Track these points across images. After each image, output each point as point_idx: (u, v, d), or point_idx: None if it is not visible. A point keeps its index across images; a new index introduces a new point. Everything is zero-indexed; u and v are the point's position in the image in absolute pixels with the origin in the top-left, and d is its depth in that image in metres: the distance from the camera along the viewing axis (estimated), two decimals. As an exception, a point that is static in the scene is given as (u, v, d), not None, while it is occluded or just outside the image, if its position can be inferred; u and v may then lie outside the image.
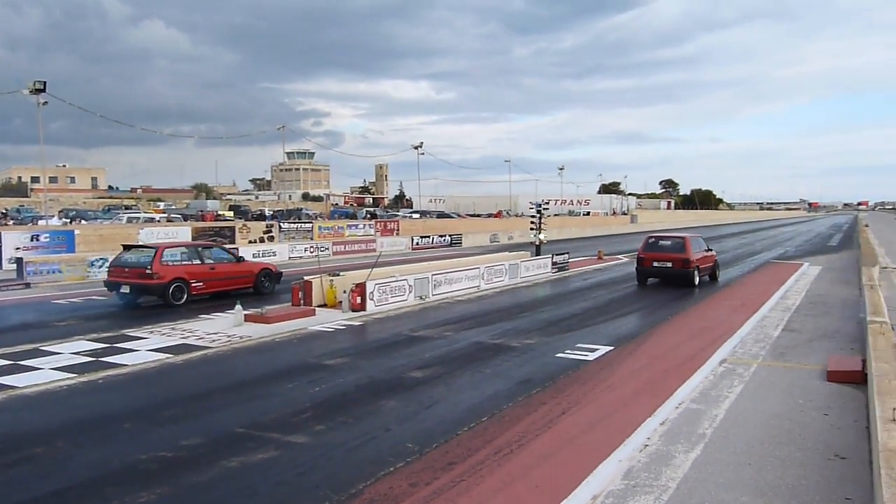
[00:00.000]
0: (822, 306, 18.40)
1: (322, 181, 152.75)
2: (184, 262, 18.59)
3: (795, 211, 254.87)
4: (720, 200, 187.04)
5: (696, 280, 22.39)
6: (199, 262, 18.98)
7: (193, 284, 18.50)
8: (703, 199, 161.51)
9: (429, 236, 45.55)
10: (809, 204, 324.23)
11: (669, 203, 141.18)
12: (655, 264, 22.44)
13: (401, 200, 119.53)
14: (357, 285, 17.35)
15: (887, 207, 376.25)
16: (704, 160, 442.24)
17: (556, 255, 27.56)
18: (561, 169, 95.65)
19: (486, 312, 17.50)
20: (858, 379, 9.92)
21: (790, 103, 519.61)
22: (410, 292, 18.86)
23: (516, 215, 76.11)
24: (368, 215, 63.81)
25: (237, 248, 26.98)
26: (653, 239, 23.42)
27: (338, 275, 19.11)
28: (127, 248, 19.40)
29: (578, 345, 13.05)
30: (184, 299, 18.15)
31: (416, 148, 61.61)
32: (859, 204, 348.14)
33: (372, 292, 17.45)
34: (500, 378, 10.67)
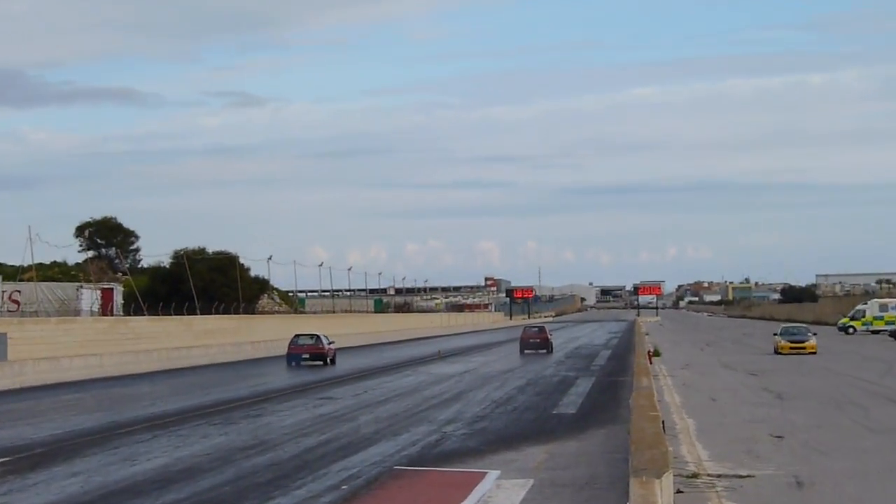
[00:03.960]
0: None
1: None
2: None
3: (480, 313, 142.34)
4: (264, 283, 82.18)
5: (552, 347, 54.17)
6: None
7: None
8: (217, 282, 69.46)
9: None
10: (511, 294, 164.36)
11: (109, 295, 58.13)
12: (530, 341, 54.24)
13: None
14: None
15: (706, 301, 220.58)
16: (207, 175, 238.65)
17: None
18: None
19: None
20: None
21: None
22: None
23: None
24: None
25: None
26: (528, 328, 60.92)
27: None
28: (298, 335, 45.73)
29: None
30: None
31: None
32: (638, 291, 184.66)
33: None
34: None
